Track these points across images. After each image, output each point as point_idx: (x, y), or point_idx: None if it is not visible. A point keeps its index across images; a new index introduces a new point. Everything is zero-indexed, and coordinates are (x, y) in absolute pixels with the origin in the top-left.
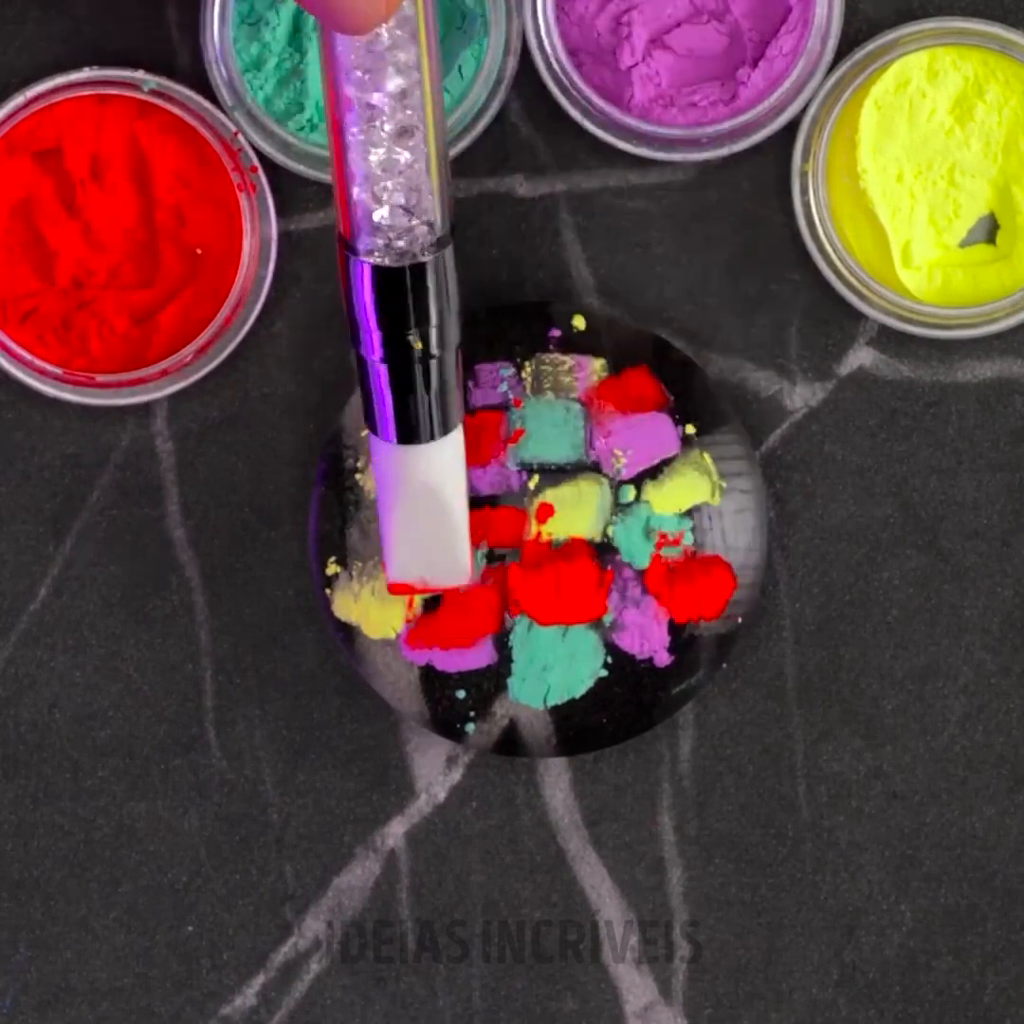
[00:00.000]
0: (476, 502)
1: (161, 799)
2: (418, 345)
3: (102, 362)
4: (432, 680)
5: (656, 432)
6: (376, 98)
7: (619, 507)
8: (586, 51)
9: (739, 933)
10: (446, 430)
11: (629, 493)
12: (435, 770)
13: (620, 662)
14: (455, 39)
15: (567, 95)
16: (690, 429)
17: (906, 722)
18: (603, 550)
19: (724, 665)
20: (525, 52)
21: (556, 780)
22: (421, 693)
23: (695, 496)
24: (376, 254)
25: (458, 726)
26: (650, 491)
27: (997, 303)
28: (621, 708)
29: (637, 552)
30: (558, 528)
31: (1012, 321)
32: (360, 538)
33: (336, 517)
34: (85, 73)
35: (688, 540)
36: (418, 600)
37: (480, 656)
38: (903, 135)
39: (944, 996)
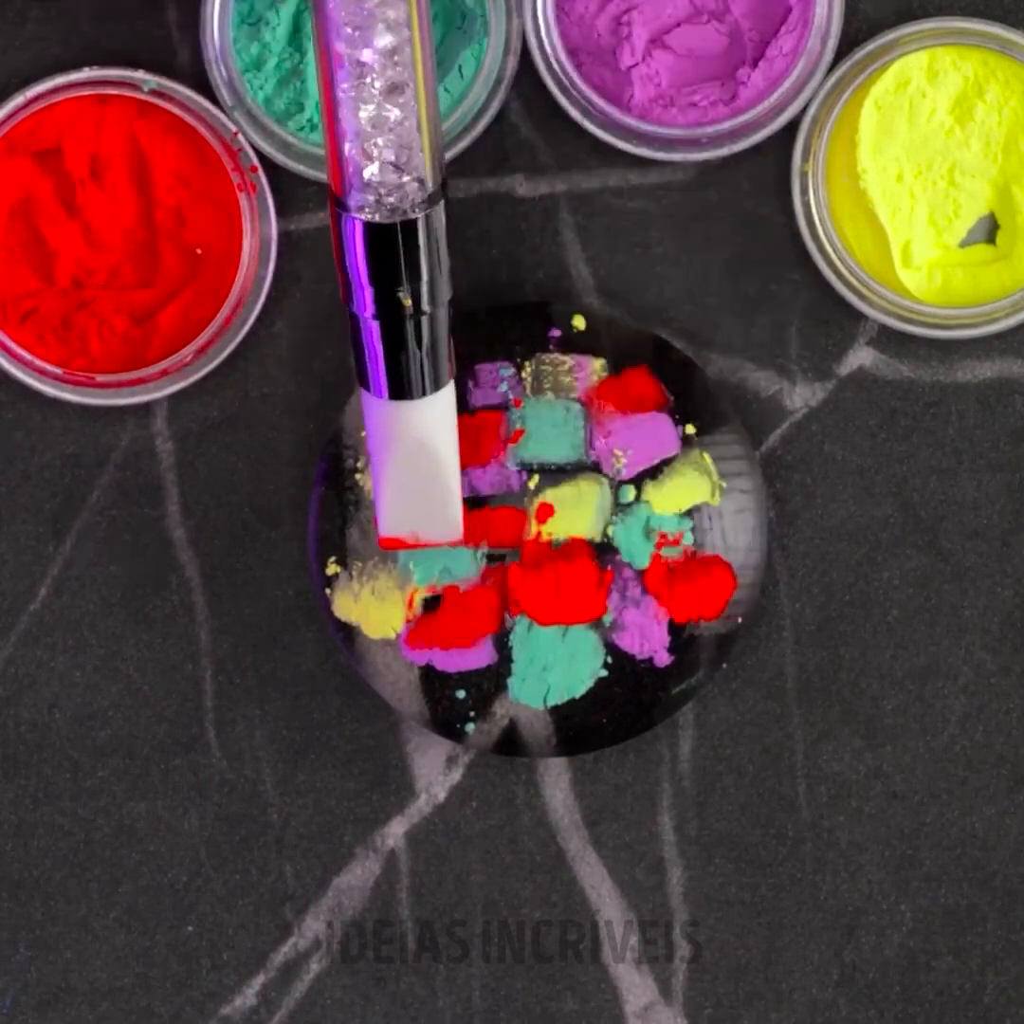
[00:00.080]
0: (476, 502)
1: (161, 799)
2: (408, 302)
3: (102, 362)
4: (432, 680)
5: (656, 432)
6: (366, 55)
7: (619, 507)
8: (586, 51)
9: (739, 933)
10: (437, 386)
11: (629, 493)
12: (435, 770)
13: (620, 662)
14: (455, 39)
15: (567, 95)
16: (690, 429)
17: (906, 722)
18: (603, 550)
19: (724, 665)
20: (525, 52)
21: (556, 780)
22: (421, 693)
23: (695, 496)
24: (367, 210)
25: (458, 726)
26: (650, 491)
27: (997, 303)
28: (621, 708)
29: (637, 552)
30: (558, 528)
31: (1012, 321)
32: (360, 538)
33: (336, 517)
34: (85, 73)
35: (688, 540)
36: (418, 600)
37: (480, 656)
38: (903, 135)
39: (944, 996)
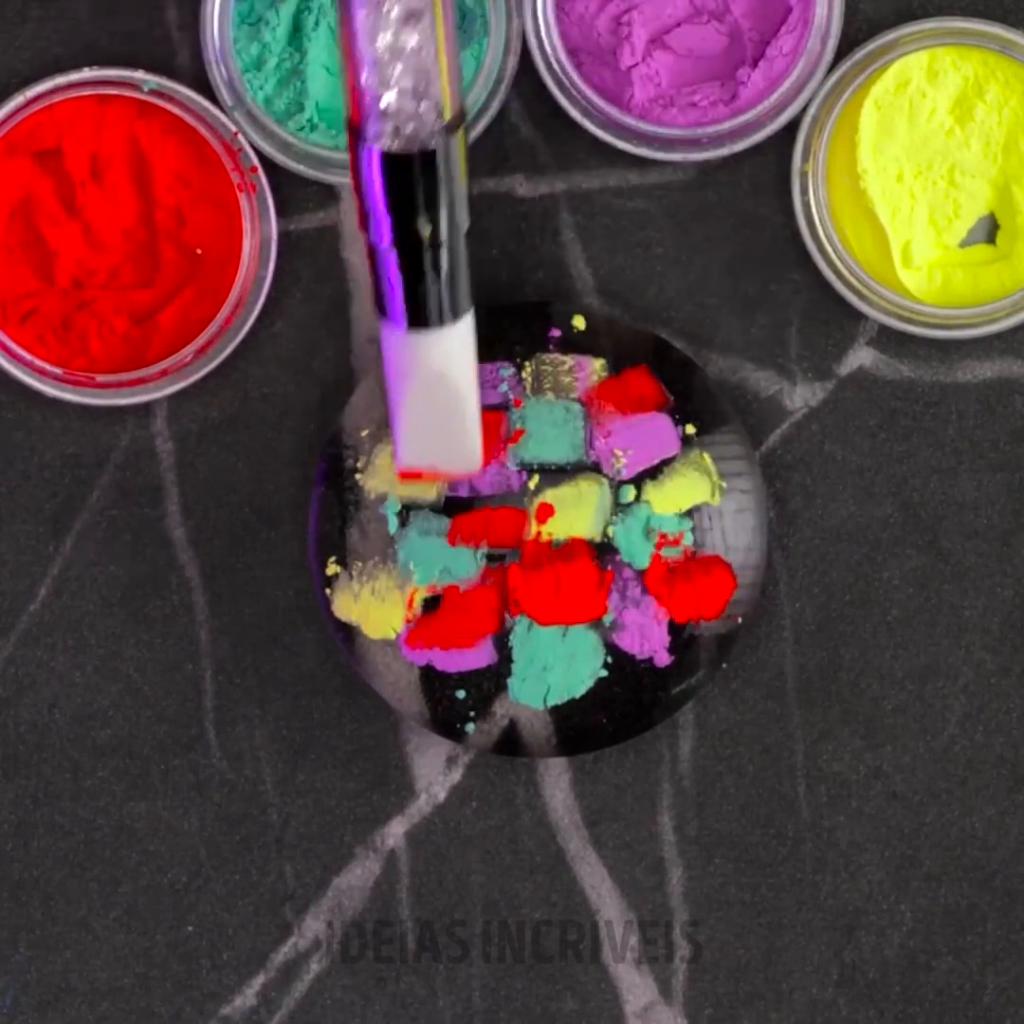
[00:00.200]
0: (476, 502)
1: (161, 799)
2: (427, 231)
3: (102, 362)
4: (432, 680)
5: (656, 432)
6: None
7: (619, 507)
8: (586, 51)
9: (739, 933)
10: (456, 315)
11: (629, 493)
12: (435, 770)
13: (620, 662)
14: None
15: (567, 95)
16: (690, 429)
17: (906, 722)
18: (603, 550)
19: (724, 665)
20: (525, 52)
21: (556, 780)
22: (421, 693)
23: (695, 496)
24: (384, 140)
25: (458, 726)
26: (650, 491)
27: (997, 303)
28: (621, 708)
29: (637, 552)
30: (558, 528)
31: (1012, 321)
32: (360, 538)
33: (336, 517)
34: (85, 73)
35: (688, 540)
36: (418, 600)
37: (480, 656)
38: (903, 135)
39: (944, 996)
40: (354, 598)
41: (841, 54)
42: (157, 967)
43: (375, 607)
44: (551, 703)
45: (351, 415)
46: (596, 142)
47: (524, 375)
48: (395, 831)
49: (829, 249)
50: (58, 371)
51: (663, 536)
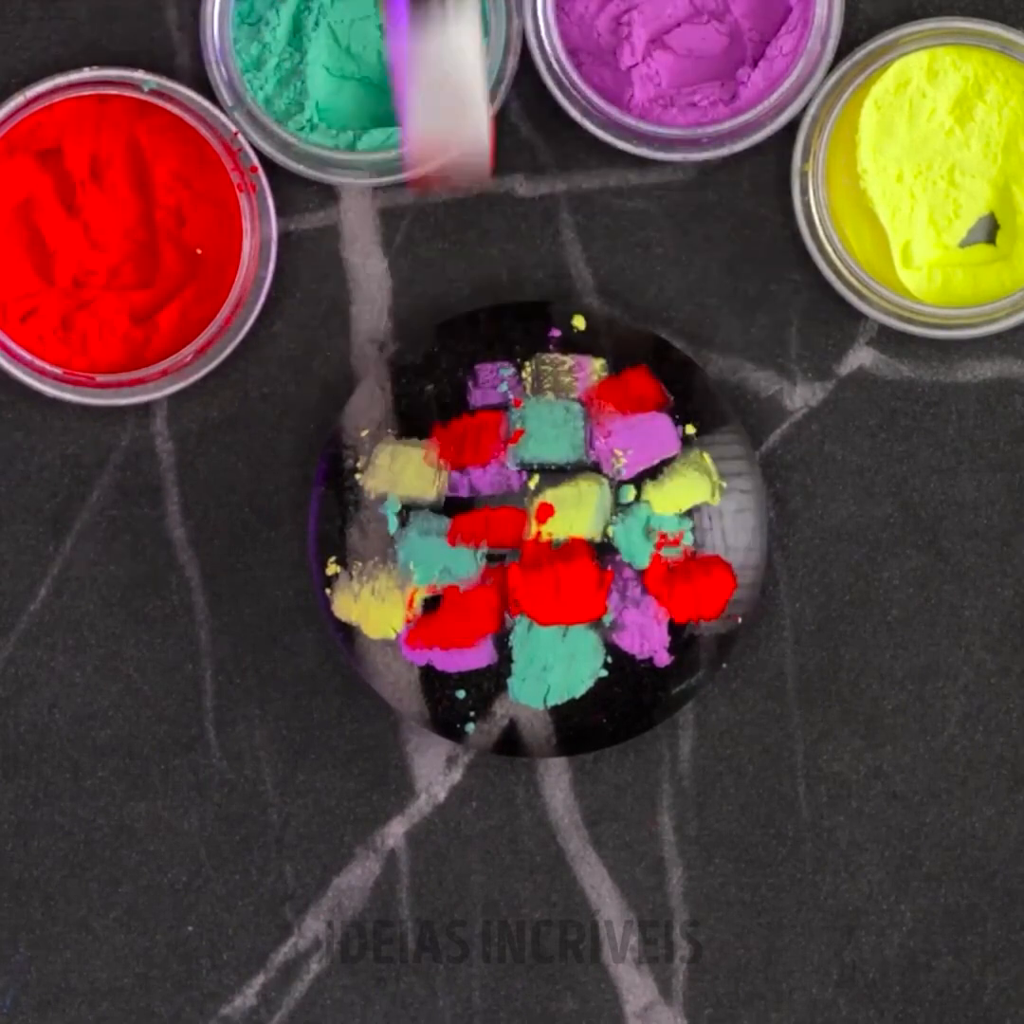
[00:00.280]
0: (476, 502)
1: (161, 799)
2: None
3: (102, 362)
4: (432, 680)
5: (656, 432)
6: None
7: (619, 507)
8: (586, 51)
9: (739, 933)
10: None
11: (629, 493)
12: (435, 770)
13: (620, 662)
14: None
15: (567, 95)
16: (690, 429)
17: (906, 722)
18: (603, 550)
19: (724, 665)
20: (525, 52)
21: (556, 780)
22: (421, 693)
23: (695, 496)
24: None
25: (458, 726)
26: (650, 491)
27: (997, 303)
28: (621, 708)
29: (637, 552)
30: (558, 528)
31: (1012, 321)
32: (360, 538)
33: (336, 517)
34: (85, 73)
35: (688, 540)
36: (418, 600)
37: (480, 656)
38: (903, 135)
39: (944, 996)
40: (354, 598)
41: (841, 54)
42: (157, 967)
43: (375, 607)
44: (551, 703)
45: (351, 415)
46: (596, 142)
47: (524, 375)
48: (395, 831)
49: (829, 249)
50: (58, 371)
51: (663, 536)
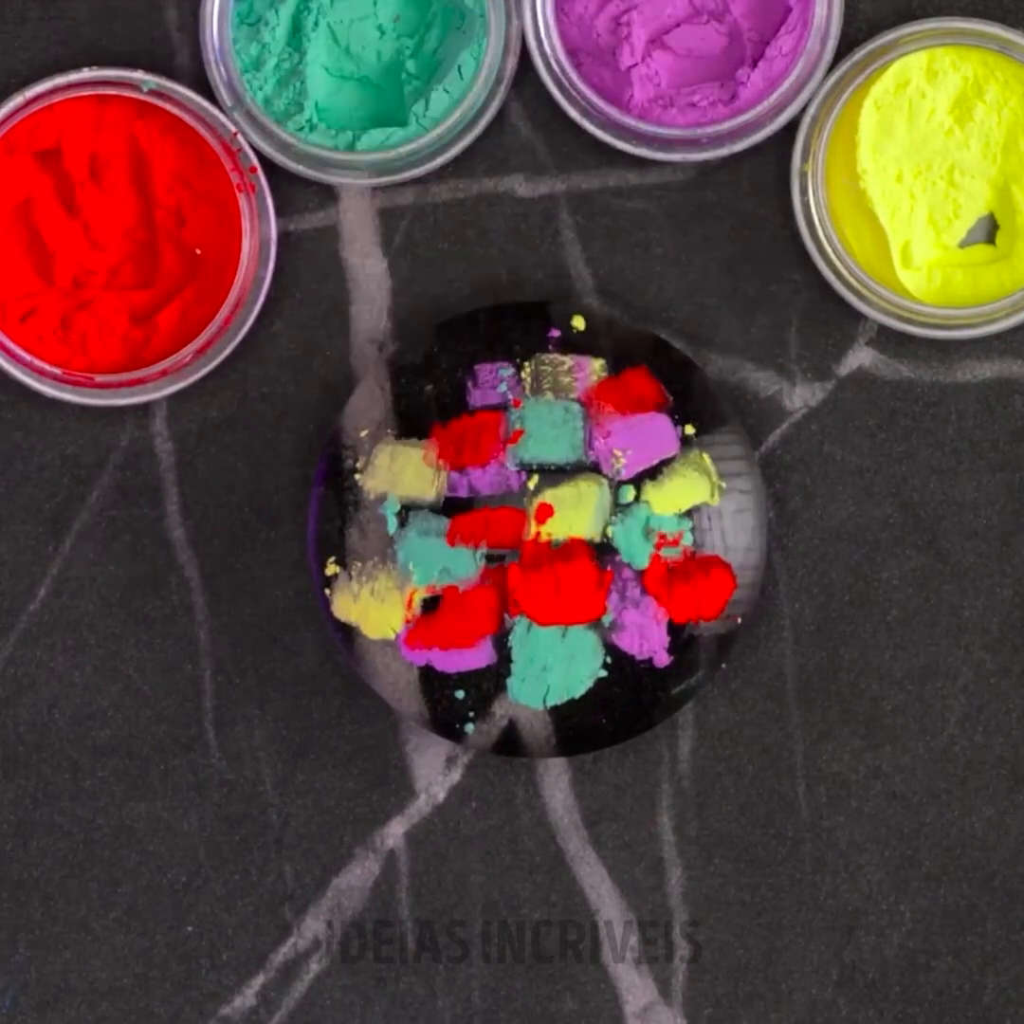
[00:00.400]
0: (475, 502)
1: (161, 799)
2: None
3: (102, 362)
4: (431, 680)
5: (655, 432)
6: None
7: (619, 507)
8: (586, 51)
9: (739, 933)
10: None
11: (629, 493)
12: (435, 770)
13: (620, 662)
14: (455, 39)
15: (567, 95)
16: (689, 429)
17: (906, 722)
18: (603, 550)
19: (724, 665)
20: (525, 52)
21: (556, 780)
22: (421, 693)
23: (694, 496)
24: None
25: (458, 726)
26: (650, 491)
27: (997, 303)
28: (621, 708)
29: (637, 552)
30: (558, 528)
31: (1012, 321)
32: (359, 538)
33: (336, 517)
34: (85, 73)
35: (687, 540)
36: (417, 600)
37: (479, 656)
38: (903, 135)
39: (944, 996)
40: (353, 598)
41: (841, 54)
42: (157, 967)
43: (374, 607)
44: (550, 703)
45: (351, 415)
46: (596, 142)
47: (523, 375)
48: (395, 831)
49: (829, 249)
50: (58, 371)
51: (663, 536)
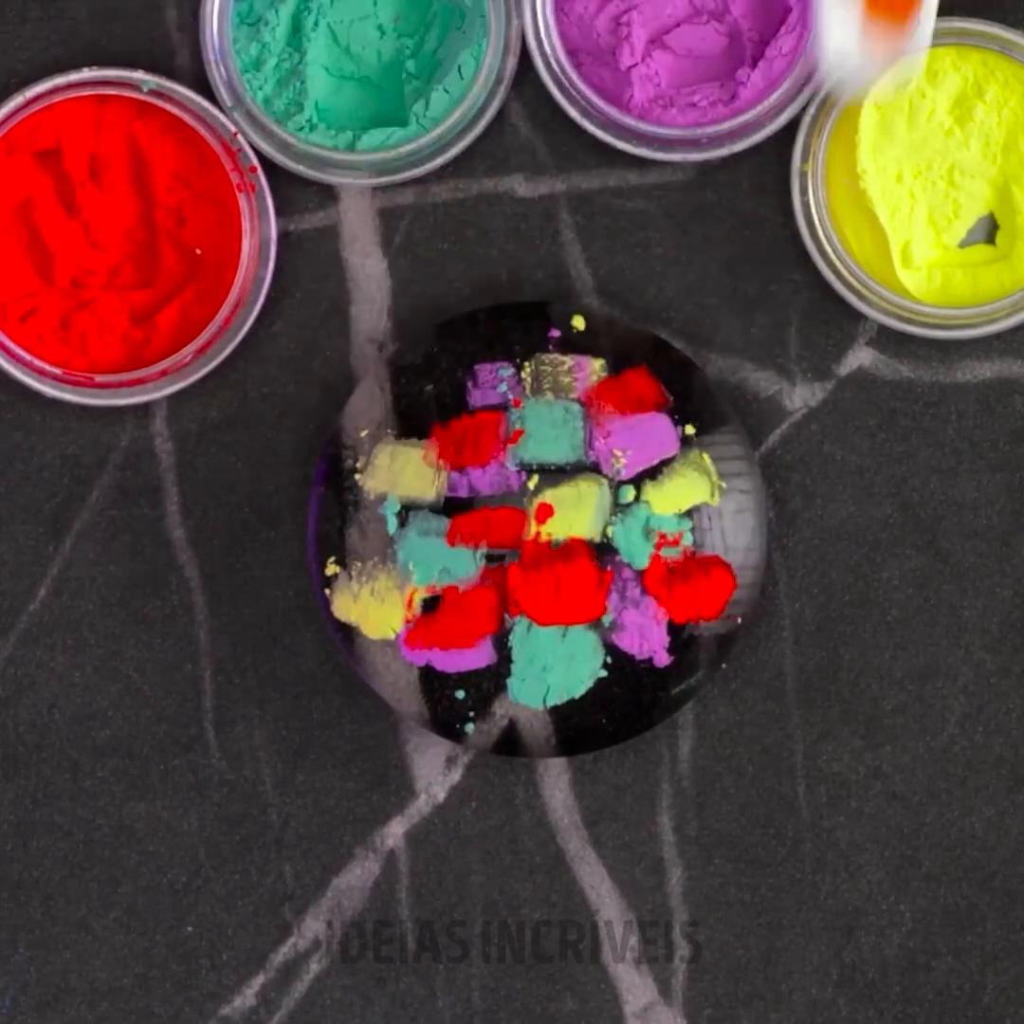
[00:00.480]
0: (475, 502)
1: (161, 799)
2: None
3: (102, 362)
4: (431, 680)
5: (655, 432)
6: None
7: (619, 507)
8: (586, 51)
9: (739, 933)
10: None
11: (629, 493)
12: (435, 770)
13: (620, 662)
14: (455, 39)
15: (567, 95)
16: (689, 429)
17: (906, 722)
18: (603, 550)
19: (724, 665)
20: (525, 52)
21: (556, 780)
22: (421, 693)
23: (694, 496)
24: None
25: (458, 726)
26: (650, 491)
27: (997, 303)
28: (621, 708)
29: (637, 552)
30: (558, 528)
31: (1012, 321)
32: (359, 538)
33: (336, 517)
34: (84, 73)
35: (687, 540)
36: (417, 600)
37: (480, 656)
38: (903, 135)
39: (944, 996)
40: (353, 598)
41: None
42: (157, 967)
43: (374, 607)
44: (551, 703)
45: (351, 415)
46: (596, 142)
47: (524, 375)
48: (395, 831)
49: (829, 249)
50: (58, 371)
51: (663, 536)
